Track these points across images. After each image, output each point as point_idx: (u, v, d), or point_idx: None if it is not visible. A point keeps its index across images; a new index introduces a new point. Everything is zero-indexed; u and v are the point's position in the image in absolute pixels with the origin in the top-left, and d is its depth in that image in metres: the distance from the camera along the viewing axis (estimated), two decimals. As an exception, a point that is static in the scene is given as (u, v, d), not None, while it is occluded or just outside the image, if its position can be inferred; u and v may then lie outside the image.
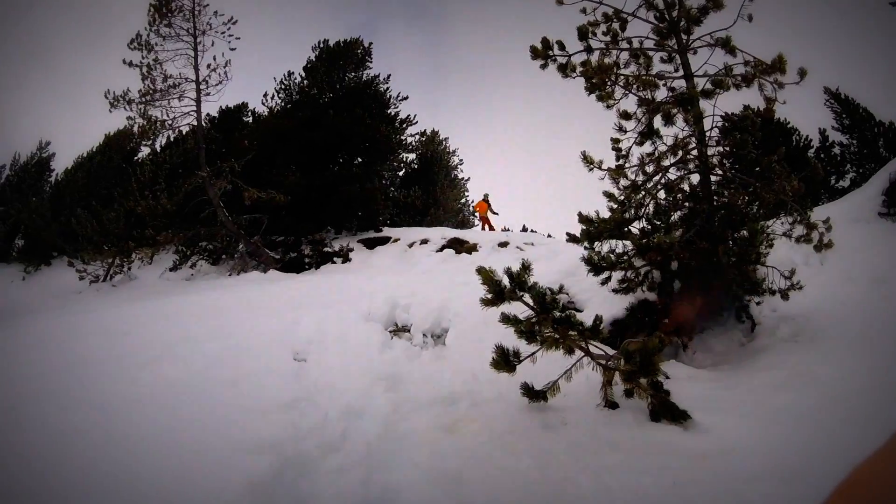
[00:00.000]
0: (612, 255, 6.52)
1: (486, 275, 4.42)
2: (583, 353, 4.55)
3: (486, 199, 18.12)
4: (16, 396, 4.99)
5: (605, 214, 6.88)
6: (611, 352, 4.63)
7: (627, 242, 6.61)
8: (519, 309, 4.49)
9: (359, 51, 20.01)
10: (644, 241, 6.06)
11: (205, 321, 8.37)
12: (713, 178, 6.77)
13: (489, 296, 4.45)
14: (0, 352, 7.18)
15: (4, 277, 16.53)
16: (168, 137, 17.46)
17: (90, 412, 4.67)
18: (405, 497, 3.51)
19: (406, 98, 20.50)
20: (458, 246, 14.82)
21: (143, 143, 16.29)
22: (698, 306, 6.44)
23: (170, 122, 15.76)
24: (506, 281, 4.44)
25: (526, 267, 4.49)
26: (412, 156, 23.25)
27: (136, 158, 21.29)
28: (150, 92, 15.46)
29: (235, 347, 6.70)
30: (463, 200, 26.27)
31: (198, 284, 13.28)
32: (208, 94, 15.95)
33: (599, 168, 7.11)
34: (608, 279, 6.79)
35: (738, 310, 6.73)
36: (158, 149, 18.35)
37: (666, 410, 4.03)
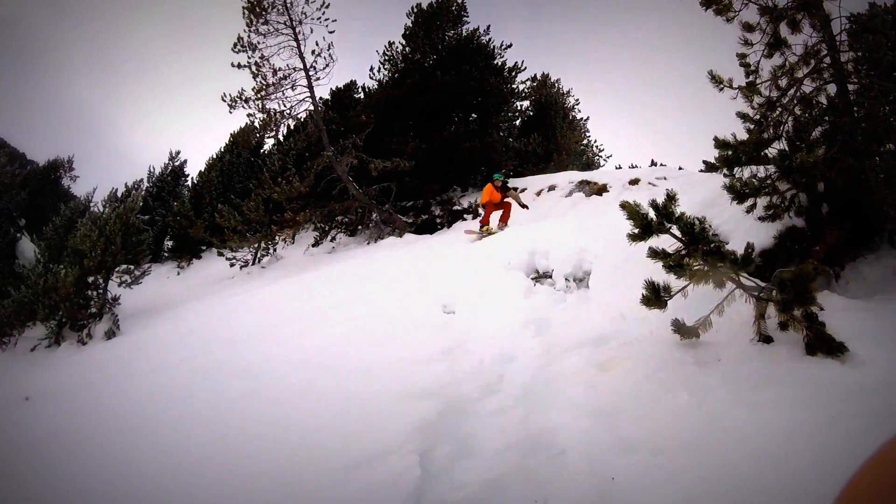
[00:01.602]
0: (754, 180, 6.23)
1: (631, 209, 4.39)
2: (734, 286, 4.48)
3: (499, 184, 12.85)
4: (220, 358, 5.88)
5: (742, 137, 6.56)
6: (762, 284, 4.52)
7: (770, 167, 6.29)
8: (666, 242, 4.48)
9: (453, 7, 20.17)
10: (786, 162, 5.76)
11: (353, 287, 9.16)
12: (850, 87, 6.30)
13: (636, 230, 4.43)
14: (200, 322, 8.31)
15: (160, 275, 18.43)
16: (288, 126, 18.53)
17: (280, 366, 5.48)
18: (564, 434, 3.70)
19: (510, 46, 20.45)
20: (587, 188, 14.73)
21: (267, 135, 17.39)
22: (848, 231, 6.10)
23: (287, 111, 16.76)
24: (651, 214, 4.40)
25: (672, 198, 4.42)
26: (526, 103, 23.17)
27: (262, 151, 22.96)
28: (264, 87, 16.45)
29: (387, 307, 7.27)
30: (585, 142, 25.87)
31: (339, 256, 14.30)
32: (318, 79, 16.81)
33: (730, 87, 6.79)
34: (753, 207, 6.44)
35: (891, 233, 6.28)
36: (282, 138, 19.54)
37: (821, 343, 3.94)
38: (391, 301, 7.68)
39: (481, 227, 12.33)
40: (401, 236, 14.77)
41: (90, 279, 12.00)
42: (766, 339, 4.36)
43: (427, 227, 15.56)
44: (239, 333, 7.82)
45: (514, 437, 3.74)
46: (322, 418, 4.26)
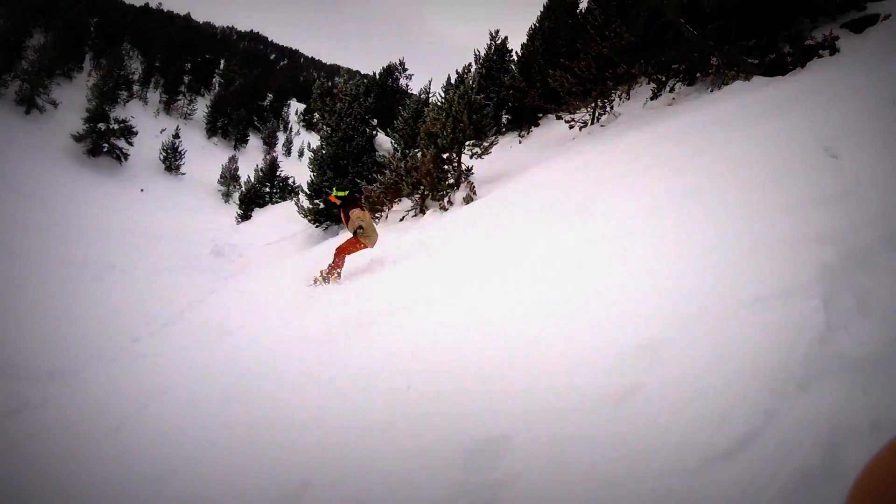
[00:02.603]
0: None
1: None
2: None
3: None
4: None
5: None
6: None
7: None
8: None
9: None
10: None
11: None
12: None
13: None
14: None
15: (504, 145, 19.53)
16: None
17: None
18: None
19: None
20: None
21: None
22: None
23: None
24: None
25: None
26: None
27: (577, 10, 22.31)
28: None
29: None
30: None
31: (682, 107, 13.32)
32: None
33: None
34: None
35: None
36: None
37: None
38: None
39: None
40: (748, 79, 13.17)
41: (445, 155, 13.29)
42: None
43: (776, 68, 13.55)
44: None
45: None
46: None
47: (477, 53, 28.22)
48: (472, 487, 2.51)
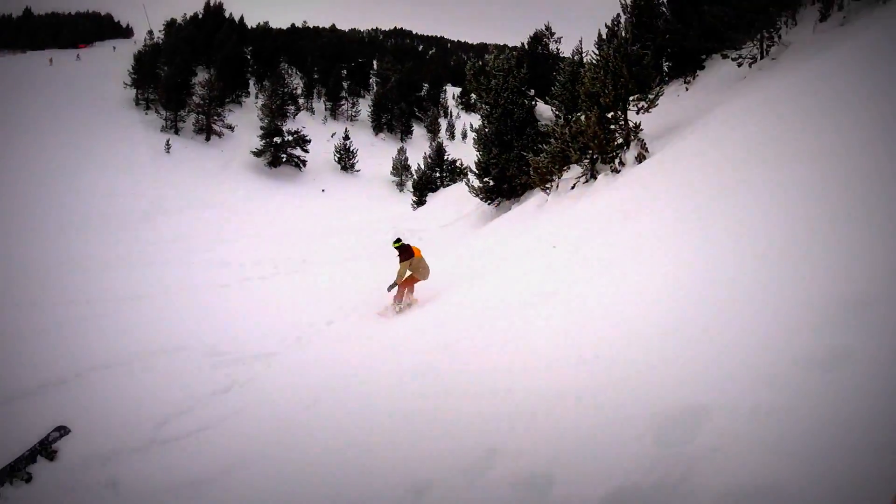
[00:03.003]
0: None
1: None
2: None
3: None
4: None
5: None
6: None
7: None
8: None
9: None
10: None
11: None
12: None
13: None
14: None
15: (671, 94, 18.64)
16: None
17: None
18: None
19: None
20: None
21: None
22: None
23: None
24: None
25: None
26: None
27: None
28: None
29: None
30: None
31: (855, 26, 12.08)
32: None
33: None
34: None
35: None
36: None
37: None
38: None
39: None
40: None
41: (609, 115, 13.18)
42: None
43: None
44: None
45: None
46: None
47: (623, 2, 27.14)
48: (665, 460, 2.51)
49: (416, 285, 10.16)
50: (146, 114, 43.11)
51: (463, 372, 5.56)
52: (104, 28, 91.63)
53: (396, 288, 10.02)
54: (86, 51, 66.12)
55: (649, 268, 5.40)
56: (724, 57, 15.85)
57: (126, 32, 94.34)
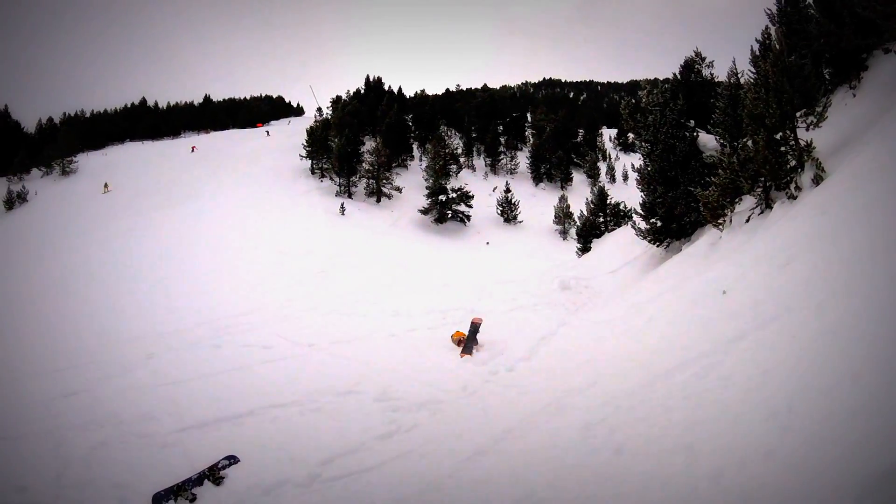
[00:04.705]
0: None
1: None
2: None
3: None
4: None
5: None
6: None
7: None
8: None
9: None
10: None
11: None
12: None
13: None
14: None
15: (836, 104, 16.97)
16: None
17: None
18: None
19: None
20: None
21: None
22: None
23: None
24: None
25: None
26: None
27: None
28: None
29: None
30: None
31: None
32: None
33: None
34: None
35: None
36: None
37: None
38: None
39: None
40: None
41: (777, 136, 12.19)
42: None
43: None
44: None
45: None
46: None
47: (769, 12, 25.51)
48: None
49: None
50: (321, 181, 47.62)
51: (639, 428, 5.33)
52: (277, 108, 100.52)
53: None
54: (263, 129, 73.74)
55: (843, 306, 4.88)
56: (887, 52, 14.18)
57: (297, 111, 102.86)
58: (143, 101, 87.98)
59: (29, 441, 6.73)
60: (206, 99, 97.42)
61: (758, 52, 18.82)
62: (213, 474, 6.26)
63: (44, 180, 46.79)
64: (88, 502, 5.42)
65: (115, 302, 17.04)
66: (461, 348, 11.33)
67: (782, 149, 12.21)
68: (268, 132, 66.37)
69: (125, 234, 28.99)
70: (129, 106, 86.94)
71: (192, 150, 57.25)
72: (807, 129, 12.33)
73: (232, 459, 6.56)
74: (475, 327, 11.78)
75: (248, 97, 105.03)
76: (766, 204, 12.52)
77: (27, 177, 48.51)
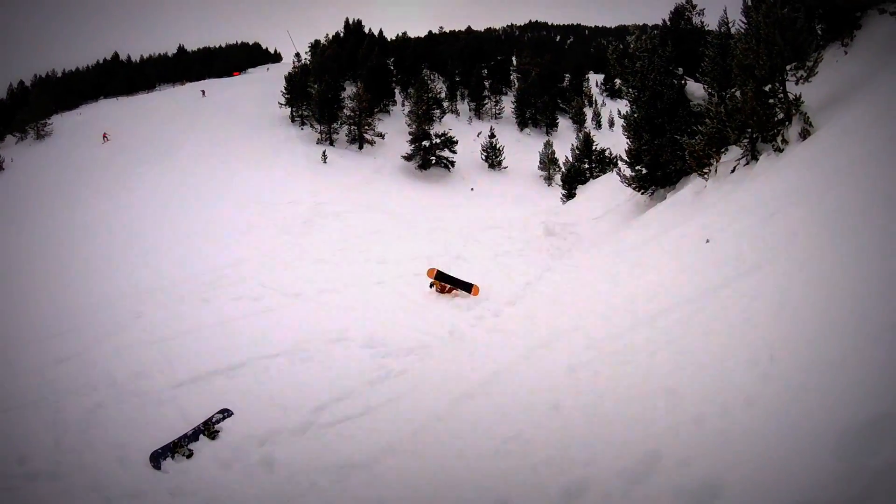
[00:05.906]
0: None
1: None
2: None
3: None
4: None
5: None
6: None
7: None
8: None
9: None
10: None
11: None
12: None
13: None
14: None
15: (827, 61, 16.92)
16: None
17: None
18: None
19: None
20: None
21: None
22: None
23: None
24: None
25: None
26: None
27: None
28: None
29: None
30: None
31: None
32: None
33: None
34: None
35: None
36: None
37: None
38: None
39: None
40: None
41: (766, 88, 12.28)
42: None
43: None
44: None
45: None
46: None
47: None
48: (845, 474, 2.37)
49: None
50: (302, 129, 47.23)
51: (622, 371, 5.47)
52: (254, 55, 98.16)
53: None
54: (240, 77, 71.96)
55: (829, 259, 4.99)
56: (882, 12, 14.06)
57: (275, 58, 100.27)
58: (116, 56, 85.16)
59: (26, 411, 6.74)
60: (181, 49, 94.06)
61: (750, 3, 18.55)
62: (209, 429, 6.33)
63: (19, 146, 45.28)
64: (89, 465, 5.47)
65: (99, 264, 17.14)
66: (432, 279, 11.58)
67: (771, 101, 12.26)
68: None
69: (105, 193, 28.94)
70: (101, 62, 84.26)
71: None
72: (796, 83, 12.36)
73: (226, 413, 6.63)
74: (441, 275, 11.86)
75: (223, 45, 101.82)
76: (753, 155, 12.63)
77: (1, 144, 46.99)
